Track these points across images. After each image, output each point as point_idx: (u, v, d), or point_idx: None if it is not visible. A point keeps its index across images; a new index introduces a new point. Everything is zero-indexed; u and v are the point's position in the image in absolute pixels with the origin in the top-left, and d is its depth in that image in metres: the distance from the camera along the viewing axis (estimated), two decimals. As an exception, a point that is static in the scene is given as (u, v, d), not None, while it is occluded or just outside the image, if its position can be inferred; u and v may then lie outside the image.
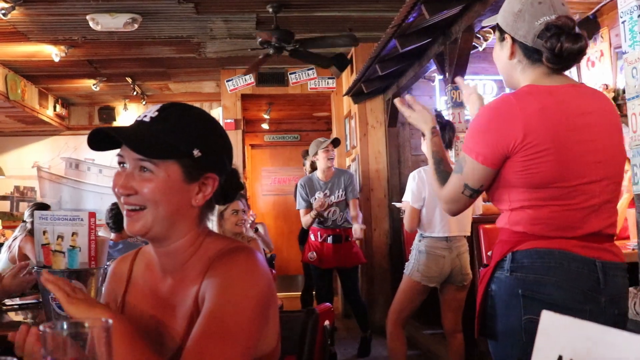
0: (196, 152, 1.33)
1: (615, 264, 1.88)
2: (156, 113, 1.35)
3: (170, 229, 1.36)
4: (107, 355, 0.83)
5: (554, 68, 1.91)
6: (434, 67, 5.47)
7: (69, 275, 2.30)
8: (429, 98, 7.40)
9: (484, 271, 2.01)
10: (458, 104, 4.56)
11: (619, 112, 2.05)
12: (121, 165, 1.35)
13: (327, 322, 1.93)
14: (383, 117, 7.27)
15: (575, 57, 1.89)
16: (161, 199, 1.32)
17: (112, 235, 4.30)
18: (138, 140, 1.30)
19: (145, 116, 1.35)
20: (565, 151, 1.82)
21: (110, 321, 0.88)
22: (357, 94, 7.20)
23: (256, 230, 5.85)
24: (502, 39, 2.01)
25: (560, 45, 1.83)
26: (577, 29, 1.86)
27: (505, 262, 1.89)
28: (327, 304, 2.15)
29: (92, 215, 2.36)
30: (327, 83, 8.15)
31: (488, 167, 1.87)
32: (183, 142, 1.33)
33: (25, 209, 9.93)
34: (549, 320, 0.85)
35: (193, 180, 1.35)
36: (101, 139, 1.34)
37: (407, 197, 3.77)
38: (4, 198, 10.19)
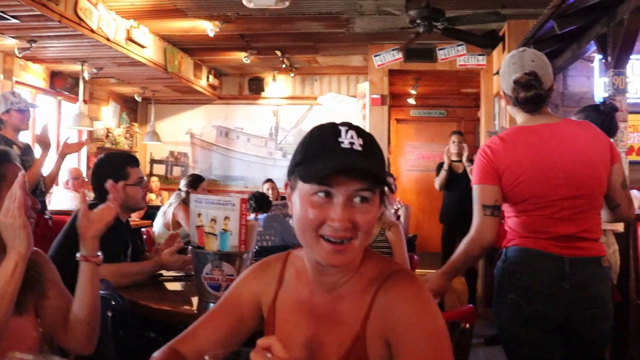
0: (390, 180, 1.41)
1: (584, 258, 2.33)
2: (361, 140, 1.30)
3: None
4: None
5: (528, 110, 2.46)
6: (593, 48, 5.14)
7: (220, 257, 2.42)
8: (586, 79, 6.98)
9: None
10: (620, 91, 4.25)
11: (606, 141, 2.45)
12: (320, 194, 1.28)
13: (467, 325, 1.88)
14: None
15: (534, 100, 2.42)
16: (372, 229, 1.32)
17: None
18: (377, 171, 1.29)
19: (353, 144, 1.28)
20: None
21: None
22: (509, 74, 6.90)
23: (398, 217, 5.77)
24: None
25: (517, 94, 2.43)
26: (532, 81, 2.39)
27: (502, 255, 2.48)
28: (470, 305, 2.09)
29: (243, 201, 2.46)
30: (477, 60, 7.87)
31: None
32: (385, 171, 1.41)
33: (178, 173, 10.62)
34: None
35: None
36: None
37: None
38: (159, 162, 10.87)
